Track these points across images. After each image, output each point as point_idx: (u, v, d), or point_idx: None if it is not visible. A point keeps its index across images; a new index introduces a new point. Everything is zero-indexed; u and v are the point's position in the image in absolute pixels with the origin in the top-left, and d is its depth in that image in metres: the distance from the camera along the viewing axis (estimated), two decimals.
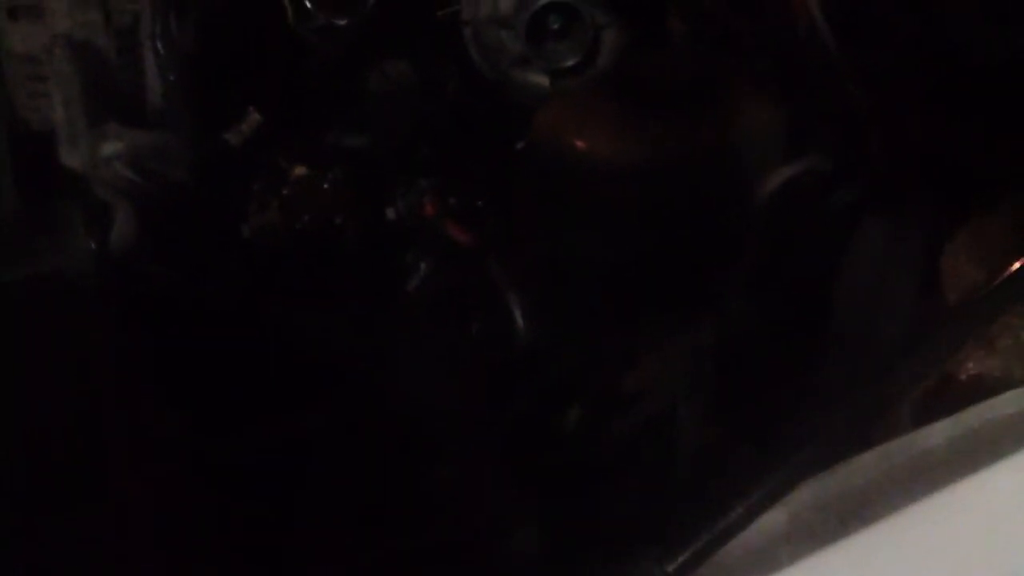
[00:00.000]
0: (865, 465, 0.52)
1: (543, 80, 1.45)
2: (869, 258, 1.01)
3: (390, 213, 1.38)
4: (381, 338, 1.27)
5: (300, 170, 1.32)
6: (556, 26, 1.44)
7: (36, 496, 0.90)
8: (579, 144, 1.17)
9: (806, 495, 0.49)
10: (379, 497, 1.10)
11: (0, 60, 1.09)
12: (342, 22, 1.36)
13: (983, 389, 0.62)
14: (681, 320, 1.26)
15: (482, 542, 1.10)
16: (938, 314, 0.73)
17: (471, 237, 1.34)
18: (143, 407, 0.95)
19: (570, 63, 1.44)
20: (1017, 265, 0.62)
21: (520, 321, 1.20)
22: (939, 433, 0.53)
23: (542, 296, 1.25)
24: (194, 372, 1.12)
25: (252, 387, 1.17)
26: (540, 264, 1.26)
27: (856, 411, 0.54)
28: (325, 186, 1.32)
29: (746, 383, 1.19)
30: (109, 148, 1.10)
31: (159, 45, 1.10)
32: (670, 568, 0.45)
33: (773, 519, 0.48)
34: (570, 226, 1.23)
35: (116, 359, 0.94)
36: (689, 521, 0.47)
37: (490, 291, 1.26)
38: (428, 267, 1.36)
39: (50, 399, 0.88)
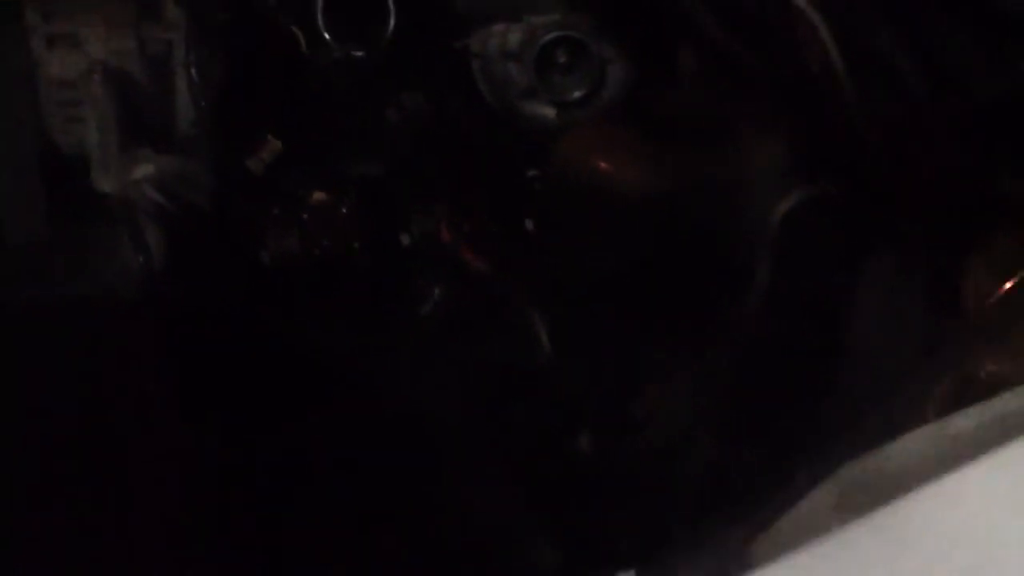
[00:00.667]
0: (896, 452, 0.56)
1: (550, 112, 1.50)
2: (881, 281, 1.05)
3: (404, 239, 1.42)
4: (396, 355, 1.30)
5: (319, 196, 1.36)
6: (563, 60, 1.49)
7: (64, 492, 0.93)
8: (598, 171, 1.21)
9: (845, 476, 0.53)
10: (392, 505, 1.13)
11: (36, 86, 1.13)
12: (359, 54, 1.42)
13: (1002, 387, 0.66)
14: (694, 343, 1.29)
15: (493, 552, 1.13)
16: (956, 322, 0.77)
17: (485, 261, 1.38)
18: (173, 414, 0.98)
19: (577, 96, 1.49)
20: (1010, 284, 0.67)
21: (545, 340, 1.23)
22: (968, 419, 0.57)
23: (557, 319, 1.29)
24: (216, 384, 1.15)
25: (267, 400, 1.21)
26: (557, 287, 1.30)
27: (884, 408, 0.57)
28: (343, 211, 1.36)
29: (758, 402, 1.22)
30: (140, 172, 1.14)
31: (193, 72, 1.13)
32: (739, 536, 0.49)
33: (820, 497, 0.52)
34: (586, 250, 1.27)
35: (154, 369, 0.98)
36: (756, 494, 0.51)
37: (506, 313, 1.30)
38: (441, 291, 1.40)
39: (93, 403, 0.92)
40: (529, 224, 1.43)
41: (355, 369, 1.33)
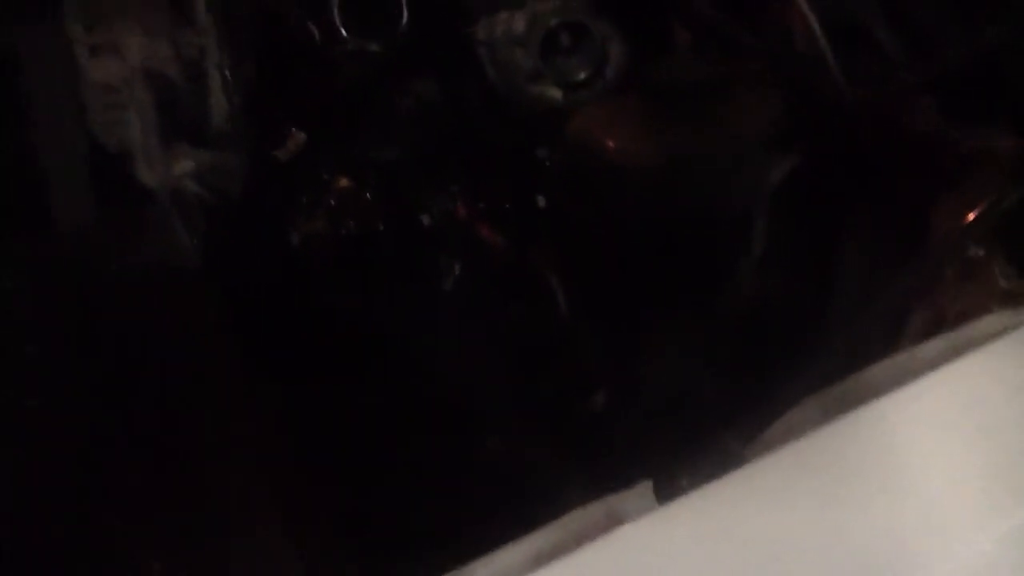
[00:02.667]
0: (874, 373, 0.65)
1: (557, 93, 1.58)
2: (859, 231, 1.15)
3: (424, 219, 1.51)
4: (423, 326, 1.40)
5: (344, 182, 1.45)
6: (567, 43, 1.58)
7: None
8: (606, 147, 1.30)
9: (830, 393, 0.62)
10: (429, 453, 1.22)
11: (82, 91, 1.22)
12: (374, 47, 1.50)
13: (966, 321, 0.75)
14: (694, 307, 1.38)
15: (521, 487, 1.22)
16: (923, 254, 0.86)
17: (501, 237, 1.47)
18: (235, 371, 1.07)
19: (581, 76, 1.58)
20: (972, 216, 0.77)
21: (564, 304, 1.32)
22: (935, 347, 0.66)
23: (570, 286, 1.38)
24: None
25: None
26: (570, 257, 1.39)
27: (871, 323, 0.67)
28: (367, 195, 1.45)
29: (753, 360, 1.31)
30: (181, 167, 1.23)
31: (227, 73, 1.22)
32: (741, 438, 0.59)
33: (805, 412, 0.61)
34: (597, 221, 1.36)
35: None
36: (752, 408, 0.60)
37: (524, 283, 1.40)
38: (461, 267, 1.49)
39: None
40: (541, 201, 1.52)
41: (386, 338, 1.42)
